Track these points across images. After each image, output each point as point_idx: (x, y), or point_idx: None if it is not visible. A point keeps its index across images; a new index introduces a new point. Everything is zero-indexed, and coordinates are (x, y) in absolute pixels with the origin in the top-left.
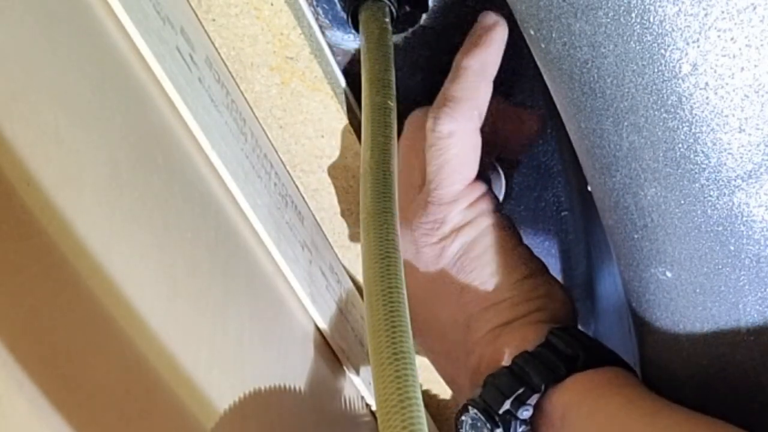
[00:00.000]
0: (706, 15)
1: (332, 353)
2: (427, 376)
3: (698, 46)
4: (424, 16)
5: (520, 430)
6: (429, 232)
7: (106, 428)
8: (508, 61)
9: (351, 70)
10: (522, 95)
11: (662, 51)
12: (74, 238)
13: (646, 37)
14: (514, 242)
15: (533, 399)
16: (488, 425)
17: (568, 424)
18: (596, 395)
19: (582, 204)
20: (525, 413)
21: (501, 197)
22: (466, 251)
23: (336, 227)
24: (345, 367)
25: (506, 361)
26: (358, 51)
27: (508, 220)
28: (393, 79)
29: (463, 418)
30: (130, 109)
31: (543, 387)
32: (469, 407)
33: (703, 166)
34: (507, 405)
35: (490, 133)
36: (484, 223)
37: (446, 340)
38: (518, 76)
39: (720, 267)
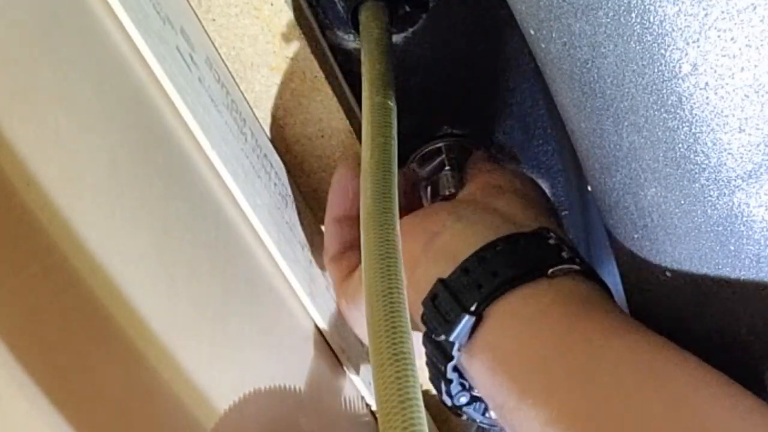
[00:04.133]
0: (706, 15)
1: (332, 353)
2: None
3: (698, 46)
4: (424, 16)
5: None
6: None
7: (106, 428)
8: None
9: (351, 70)
10: (522, 95)
11: (662, 51)
12: (74, 238)
13: (646, 37)
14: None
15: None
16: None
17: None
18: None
19: (582, 204)
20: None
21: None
22: None
23: None
24: (345, 367)
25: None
26: (358, 51)
27: None
28: (393, 79)
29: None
30: (130, 109)
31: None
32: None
33: (703, 166)
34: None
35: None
36: None
37: None
38: (517, 76)
39: (720, 267)
